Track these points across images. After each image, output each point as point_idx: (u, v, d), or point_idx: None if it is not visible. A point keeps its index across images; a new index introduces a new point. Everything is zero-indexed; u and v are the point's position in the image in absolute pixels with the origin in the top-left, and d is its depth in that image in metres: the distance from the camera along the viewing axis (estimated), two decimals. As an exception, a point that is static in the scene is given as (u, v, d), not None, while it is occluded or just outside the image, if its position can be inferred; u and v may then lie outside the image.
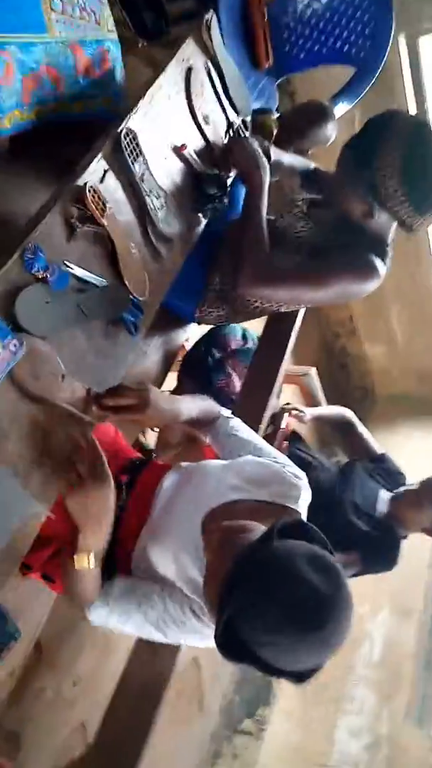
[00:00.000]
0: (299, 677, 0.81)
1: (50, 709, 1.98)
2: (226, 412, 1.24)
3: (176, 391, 2.09)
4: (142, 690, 1.66)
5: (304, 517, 1.06)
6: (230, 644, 0.80)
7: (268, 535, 0.83)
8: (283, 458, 1.16)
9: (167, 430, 1.88)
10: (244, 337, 2.05)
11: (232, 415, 1.25)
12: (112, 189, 1.22)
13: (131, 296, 1.22)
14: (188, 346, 2.11)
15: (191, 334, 2.02)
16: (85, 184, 1.13)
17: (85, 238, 1.15)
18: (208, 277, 1.74)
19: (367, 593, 2.78)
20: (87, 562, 1.03)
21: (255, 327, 2.04)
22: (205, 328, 2.06)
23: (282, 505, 1.04)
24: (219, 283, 1.73)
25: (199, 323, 1.93)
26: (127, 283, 1.22)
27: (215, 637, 0.81)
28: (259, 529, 0.90)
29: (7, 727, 1.82)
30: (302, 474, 1.12)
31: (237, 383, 1.93)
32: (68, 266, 1.10)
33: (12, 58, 1.19)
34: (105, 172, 1.20)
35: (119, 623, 1.09)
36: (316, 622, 0.77)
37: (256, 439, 1.22)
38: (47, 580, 1.26)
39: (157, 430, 2.03)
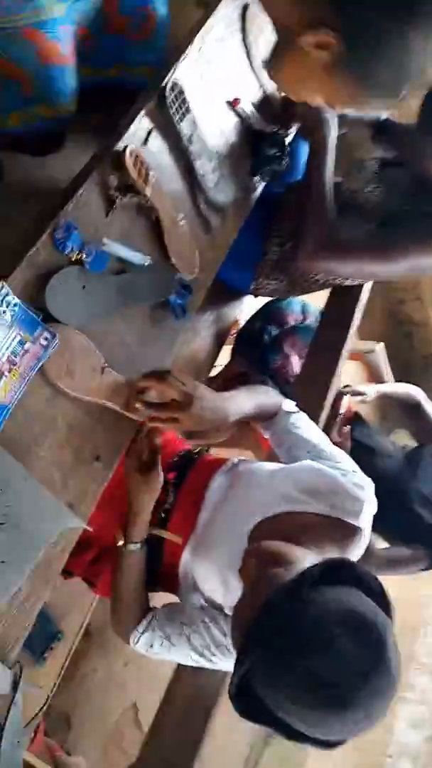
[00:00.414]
0: (326, 745, 0.69)
1: (101, 690, 1.97)
2: (289, 405, 1.12)
3: (229, 369, 1.96)
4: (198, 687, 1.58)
5: (367, 532, 0.93)
6: (245, 700, 0.70)
7: (302, 580, 0.71)
8: (347, 463, 1.03)
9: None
10: (304, 311, 1.88)
11: (296, 409, 1.12)
12: (157, 153, 1.07)
13: (178, 275, 1.10)
14: (242, 320, 1.96)
15: (245, 306, 1.87)
16: (125, 148, 0.98)
17: (126, 210, 1.01)
18: (264, 246, 1.59)
19: (427, 576, 2.63)
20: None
21: (316, 300, 1.86)
22: (260, 301, 1.90)
23: (340, 519, 0.92)
24: (277, 253, 1.58)
25: (255, 296, 1.77)
26: (173, 260, 1.09)
27: (229, 689, 0.71)
28: (300, 561, 0.78)
29: (58, 708, 1.82)
30: (367, 483, 0.98)
31: (295, 364, 1.77)
32: (107, 244, 0.97)
33: (70, 26, 1.00)
34: (148, 133, 1.05)
35: (163, 649, 1.02)
36: (342, 698, 0.64)
37: (318, 438, 1.09)
38: (89, 584, 1.19)
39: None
